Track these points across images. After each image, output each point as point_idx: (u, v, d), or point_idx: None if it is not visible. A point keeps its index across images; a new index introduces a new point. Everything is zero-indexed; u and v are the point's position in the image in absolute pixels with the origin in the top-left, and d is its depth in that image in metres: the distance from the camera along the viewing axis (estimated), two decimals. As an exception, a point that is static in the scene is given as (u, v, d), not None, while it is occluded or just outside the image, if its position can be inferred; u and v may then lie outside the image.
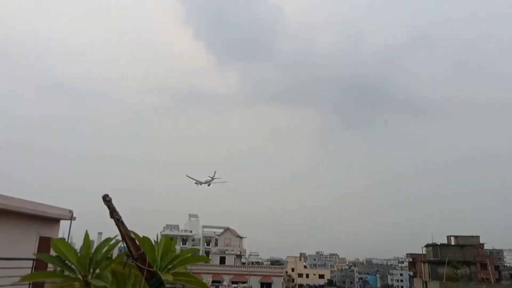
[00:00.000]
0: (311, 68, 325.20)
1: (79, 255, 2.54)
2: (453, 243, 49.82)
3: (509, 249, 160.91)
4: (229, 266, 65.24)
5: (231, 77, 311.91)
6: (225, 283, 52.46)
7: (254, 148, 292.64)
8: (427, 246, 47.98)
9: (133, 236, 2.30)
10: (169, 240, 2.78)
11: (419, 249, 51.30)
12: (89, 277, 2.46)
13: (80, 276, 2.44)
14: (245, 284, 50.95)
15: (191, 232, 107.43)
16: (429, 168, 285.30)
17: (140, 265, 2.31)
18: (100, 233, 18.59)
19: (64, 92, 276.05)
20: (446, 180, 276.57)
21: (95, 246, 2.83)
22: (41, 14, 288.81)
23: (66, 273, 2.47)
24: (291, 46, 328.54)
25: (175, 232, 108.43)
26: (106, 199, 2.12)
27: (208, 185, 73.06)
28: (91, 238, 2.98)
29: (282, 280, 64.07)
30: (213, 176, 71.89)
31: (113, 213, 2.17)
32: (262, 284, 60.91)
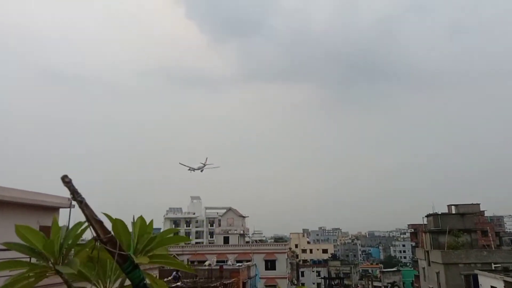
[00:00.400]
0: (307, 44, 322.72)
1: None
2: (453, 212, 50.18)
3: (510, 215, 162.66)
4: (233, 245, 65.89)
5: (227, 56, 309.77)
6: (229, 262, 53.05)
7: (254, 127, 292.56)
8: (427, 216, 48.34)
9: (98, 218, 2.16)
10: (144, 221, 2.64)
11: (421, 220, 51.70)
12: (60, 264, 2.32)
13: (50, 264, 2.31)
14: (249, 263, 51.52)
15: (194, 214, 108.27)
16: (429, 137, 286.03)
17: (110, 249, 2.17)
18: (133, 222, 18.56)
19: (61, 80, 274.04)
20: (446, 150, 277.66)
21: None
22: (27, 5, 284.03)
23: (34, 261, 2.33)
24: (286, 22, 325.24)
25: (179, 215, 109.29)
26: (65, 180, 1.97)
27: (201, 171, 74.78)
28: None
29: (286, 257, 64.79)
30: (205, 163, 73.57)
31: (75, 194, 2.03)
32: (266, 261, 61.59)
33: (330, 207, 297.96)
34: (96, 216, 2.13)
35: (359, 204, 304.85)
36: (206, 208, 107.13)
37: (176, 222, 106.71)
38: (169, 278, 32.71)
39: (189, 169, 75.19)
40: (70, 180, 1.96)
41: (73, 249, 2.60)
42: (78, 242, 2.82)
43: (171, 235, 3.19)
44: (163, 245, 2.81)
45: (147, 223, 2.90)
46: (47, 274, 2.39)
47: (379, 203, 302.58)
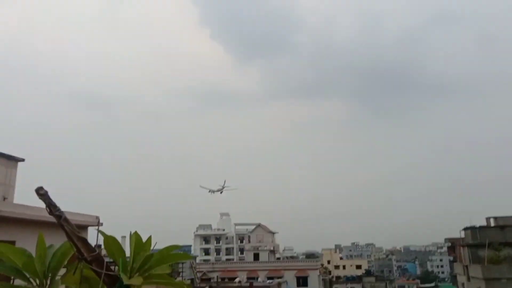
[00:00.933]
0: (331, 58, 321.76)
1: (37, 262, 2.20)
2: (492, 224, 47.82)
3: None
4: (264, 262, 65.06)
5: (251, 74, 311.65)
6: (260, 279, 52.25)
7: (279, 143, 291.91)
8: (465, 229, 46.26)
9: (81, 235, 1.92)
10: (139, 237, 2.40)
11: (458, 234, 49.51)
12: (46, 286, 2.11)
13: (34, 286, 2.09)
14: (279, 279, 50.60)
15: (223, 230, 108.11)
16: (464, 150, 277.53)
17: (96, 269, 1.93)
18: (123, 237, 18.53)
19: (93, 103, 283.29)
20: (482, 162, 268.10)
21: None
22: (63, 29, 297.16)
23: (19, 282, 2.13)
24: (310, 37, 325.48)
25: (209, 232, 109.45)
26: (40, 192, 1.76)
27: (221, 192, 77.04)
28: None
29: (318, 273, 63.37)
30: (223, 185, 76.09)
31: (51, 208, 1.80)
32: (298, 278, 60.40)
33: (362, 223, 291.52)
34: (78, 232, 1.91)
35: (393, 219, 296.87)
36: (236, 224, 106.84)
37: (206, 239, 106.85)
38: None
39: (209, 191, 77.65)
40: (46, 192, 1.75)
41: (62, 269, 2.37)
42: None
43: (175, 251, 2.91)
44: (163, 264, 2.54)
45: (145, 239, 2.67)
46: (31, 298, 2.15)
47: (414, 217, 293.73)
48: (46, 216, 9.59)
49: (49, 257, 2.28)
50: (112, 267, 2.41)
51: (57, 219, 1.81)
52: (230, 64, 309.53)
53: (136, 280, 2.25)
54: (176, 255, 2.65)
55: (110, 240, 2.27)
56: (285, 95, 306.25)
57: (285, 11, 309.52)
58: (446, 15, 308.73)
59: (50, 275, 2.21)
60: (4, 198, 17.91)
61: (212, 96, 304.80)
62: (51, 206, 1.77)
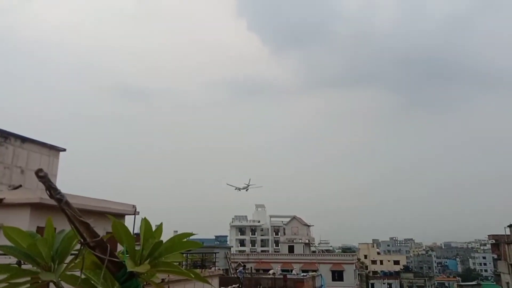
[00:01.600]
0: (370, 46, 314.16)
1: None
2: (540, 221, 45.32)
3: None
4: (298, 254, 64.81)
5: (288, 65, 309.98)
6: (294, 272, 52.13)
7: (315, 133, 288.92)
8: (510, 226, 44.14)
9: (84, 219, 1.86)
10: (149, 224, 2.32)
11: (503, 230, 47.34)
12: (52, 270, 2.07)
13: (41, 270, 2.06)
14: (314, 273, 50.27)
15: (259, 222, 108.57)
16: (509, 142, 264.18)
17: (99, 255, 1.87)
18: (157, 225, 18.99)
19: (132, 95, 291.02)
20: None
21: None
22: (103, 24, 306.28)
23: (26, 266, 2.10)
24: (349, 25, 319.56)
25: (244, 223, 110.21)
26: (40, 175, 1.70)
27: (246, 190, 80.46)
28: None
29: (354, 268, 62.48)
30: (248, 183, 79.96)
31: (52, 191, 1.74)
32: (333, 272, 59.80)
33: (401, 217, 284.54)
34: (81, 216, 1.84)
35: (433, 213, 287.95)
36: (271, 216, 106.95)
37: (241, 230, 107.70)
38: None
39: (235, 189, 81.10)
40: (46, 174, 1.69)
41: (71, 255, 2.33)
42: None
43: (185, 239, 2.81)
44: (173, 252, 2.45)
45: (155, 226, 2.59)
46: (40, 282, 2.11)
47: (456, 212, 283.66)
48: (86, 205, 9.83)
49: (58, 241, 2.23)
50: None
51: (58, 202, 1.75)
52: (267, 55, 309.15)
53: (142, 268, 2.16)
54: (186, 243, 2.56)
55: (118, 225, 2.20)
56: (321, 85, 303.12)
57: None
58: (490, 3, 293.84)
59: (57, 259, 2.16)
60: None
61: (248, 87, 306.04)
62: (51, 189, 1.71)
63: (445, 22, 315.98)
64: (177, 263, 2.43)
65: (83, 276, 2.27)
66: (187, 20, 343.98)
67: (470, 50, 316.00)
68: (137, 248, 2.47)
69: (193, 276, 2.46)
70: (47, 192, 1.73)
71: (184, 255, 23.59)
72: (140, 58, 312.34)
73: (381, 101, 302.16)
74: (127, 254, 2.36)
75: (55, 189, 1.74)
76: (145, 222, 2.40)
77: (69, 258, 2.33)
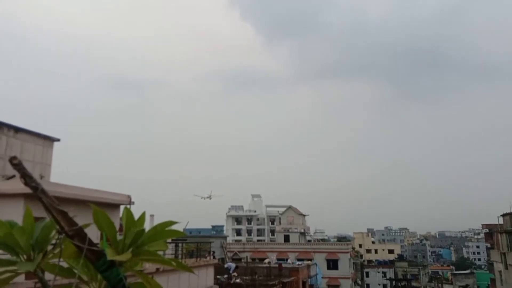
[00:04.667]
0: (363, 37, 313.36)
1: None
2: (533, 211, 45.73)
3: None
4: (294, 244, 65.24)
5: (282, 55, 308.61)
6: (289, 260, 52.53)
7: (310, 124, 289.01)
8: (504, 215, 44.51)
9: (61, 208, 1.84)
10: (131, 213, 2.30)
11: (496, 219, 47.75)
12: (32, 259, 2.05)
13: (20, 259, 2.04)
14: (309, 262, 50.66)
15: (255, 212, 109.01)
16: (505, 134, 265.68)
17: (78, 243, 1.85)
18: (152, 215, 18.90)
19: (125, 85, 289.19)
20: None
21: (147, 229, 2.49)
22: (96, 14, 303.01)
23: (7, 257, 2.08)
24: (341, 14, 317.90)
25: (240, 213, 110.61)
26: (14, 162, 1.67)
27: (210, 198, 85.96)
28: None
29: (349, 257, 62.98)
30: (211, 194, 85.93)
31: (27, 179, 1.71)
32: (328, 261, 60.27)
33: (396, 207, 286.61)
34: (58, 205, 1.81)
35: (427, 203, 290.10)
36: (267, 206, 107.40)
37: (237, 219, 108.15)
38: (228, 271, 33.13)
39: (201, 198, 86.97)
40: (20, 162, 1.66)
41: (52, 243, 2.31)
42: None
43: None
44: (156, 240, 2.44)
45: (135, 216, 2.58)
46: (18, 272, 2.09)
47: (449, 201, 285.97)
48: (80, 195, 9.78)
49: (38, 230, 2.21)
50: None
51: (34, 190, 1.72)
52: (260, 45, 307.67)
53: (123, 256, 2.14)
54: (169, 231, 2.54)
55: (99, 213, 2.18)
56: (315, 76, 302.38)
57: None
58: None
59: (37, 249, 2.14)
60: (41, 176, 18.58)
61: (242, 77, 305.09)
62: (26, 177, 1.68)
63: (439, 12, 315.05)
64: (162, 252, 2.43)
65: (65, 265, 2.26)
66: (179, 10, 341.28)
67: (463, 40, 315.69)
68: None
69: (174, 264, 2.45)
70: (22, 180, 1.70)
71: (179, 244, 23.66)
72: (133, 48, 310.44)
73: (375, 92, 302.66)
74: (108, 242, 2.34)
75: (30, 177, 1.71)
76: (127, 211, 2.38)
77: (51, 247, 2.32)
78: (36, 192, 1.82)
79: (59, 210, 1.90)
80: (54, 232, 2.14)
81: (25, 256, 2.10)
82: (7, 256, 2.15)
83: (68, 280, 2.37)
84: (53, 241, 2.29)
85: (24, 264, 1.99)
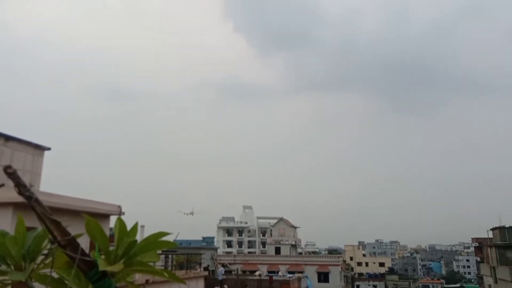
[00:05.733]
0: (355, 51, 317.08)
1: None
2: (523, 225, 46.08)
3: None
4: (285, 256, 64.91)
5: (274, 68, 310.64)
6: (280, 273, 52.18)
7: (301, 137, 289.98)
8: (493, 229, 44.81)
9: (54, 217, 1.84)
10: (123, 224, 2.30)
11: (486, 233, 48.03)
12: (23, 269, 2.04)
13: (11, 268, 2.02)
14: (300, 274, 50.38)
15: (246, 223, 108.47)
16: (494, 148, 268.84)
17: (70, 253, 1.84)
18: (142, 226, 18.77)
19: (116, 95, 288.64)
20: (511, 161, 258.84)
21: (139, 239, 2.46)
22: (87, 23, 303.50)
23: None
24: (334, 29, 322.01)
25: (231, 224, 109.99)
26: (8, 171, 1.68)
27: (193, 214, 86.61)
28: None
29: (340, 269, 62.81)
30: (193, 210, 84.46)
31: (21, 188, 1.72)
32: (319, 273, 60.02)
33: (387, 220, 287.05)
34: (51, 214, 1.81)
35: (418, 217, 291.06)
36: (258, 217, 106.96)
37: (228, 231, 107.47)
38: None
39: (184, 214, 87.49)
40: (15, 170, 1.66)
41: (43, 254, 2.29)
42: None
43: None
44: (148, 251, 2.43)
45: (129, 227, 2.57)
46: (5, 282, 2.08)
47: (440, 215, 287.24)
48: (70, 204, 9.68)
49: (29, 240, 2.20)
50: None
51: (27, 199, 1.72)
52: (253, 57, 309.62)
53: (115, 267, 2.14)
54: (162, 242, 2.54)
55: (92, 223, 2.18)
56: (308, 88, 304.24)
57: (309, 3, 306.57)
58: (475, 7, 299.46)
59: (28, 258, 2.13)
60: (31, 186, 18.40)
61: (235, 89, 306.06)
62: (20, 186, 1.68)
63: (428, 28, 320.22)
64: (152, 263, 2.42)
65: (56, 276, 2.25)
66: (173, 21, 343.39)
67: (451, 55, 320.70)
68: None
69: (166, 275, 2.44)
70: (16, 189, 1.70)
71: (170, 255, 23.44)
72: (126, 59, 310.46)
73: (367, 104, 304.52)
74: (100, 253, 2.33)
75: (24, 186, 1.71)
76: (119, 221, 2.38)
77: (43, 257, 2.30)
78: (30, 202, 1.82)
79: (52, 219, 1.90)
80: (46, 241, 2.12)
81: (14, 266, 2.08)
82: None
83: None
84: (44, 251, 2.27)
85: (16, 274, 1.98)
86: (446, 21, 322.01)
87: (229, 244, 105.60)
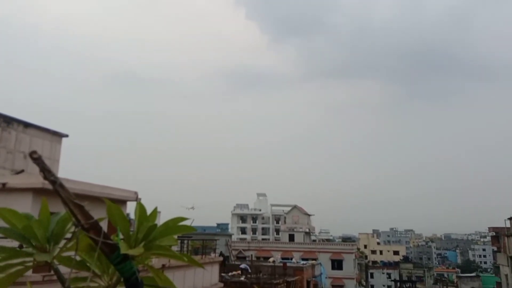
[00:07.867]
0: (370, 38, 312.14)
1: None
2: (541, 214, 45.30)
3: None
4: (298, 243, 65.22)
5: (287, 55, 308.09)
6: (294, 260, 52.54)
7: (316, 127, 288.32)
8: (510, 218, 44.19)
9: (78, 202, 1.89)
10: (144, 208, 2.35)
11: (503, 223, 47.41)
12: (48, 251, 2.11)
13: (36, 251, 2.09)
14: (313, 261, 50.64)
15: (260, 210, 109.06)
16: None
17: (93, 236, 1.90)
18: (159, 212, 19.09)
19: (131, 84, 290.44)
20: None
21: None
22: (103, 14, 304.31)
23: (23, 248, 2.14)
24: (347, 16, 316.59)
25: (245, 211, 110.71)
26: (33, 157, 1.73)
27: (193, 209, 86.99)
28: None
29: (354, 257, 62.88)
30: (193, 206, 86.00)
31: (46, 173, 1.77)
32: (332, 261, 60.22)
33: (402, 208, 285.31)
34: (75, 198, 1.86)
35: (434, 205, 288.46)
36: (272, 205, 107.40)
37: (243, 218, 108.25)
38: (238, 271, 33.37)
39: (186, 208, 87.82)
40: (40, 156, 1.71)
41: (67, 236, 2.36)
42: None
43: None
44: (167, 235, 2.48)
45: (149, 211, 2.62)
46: (35, 262, 2.15)
47: (456, 203, 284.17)
48: (89, 190, 9.89)
49: (53, 223, 2.26)
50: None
51: (52, 184, 1.77)
52: (266, 44, 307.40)
53: (136, 251, 2.19)
54: (180, 227, 2.59)
55: (113, 208, 2.23)
56: (321, 76, 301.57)
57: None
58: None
59: (52, 241, 2.19)
60: (49, 172, 18.81)
61: (248, 77, 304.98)
62: (45, 171, 1.73)
63: (444, 15, 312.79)
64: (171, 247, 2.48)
65: (78, 258, 2.31)
66: (185, 8, 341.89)
67: (468, 43, 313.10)
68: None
69: (186, 259, 2.49)
70: (41, 173, 1.75)
71: (185, 241, 23.75)
72: (139, 47, 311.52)
73: (383, 92, 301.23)
74: (121, 237, 2.39)
75: (49, 171, 1.76)
76: (140, 206, 2.43)
77: (65, 240, 2.37)
78: (54, 186, 1.87)
79: (76, 203, 1.95)
80: (69, 225, 2.18)
81: (39, 248, 2.15)
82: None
83: (78, 273, 2.42)
84: (67, 235, 2.34)
85: (41, 255, 2.04)
86: (464, 6, 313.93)
87: (243, 230, 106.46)
